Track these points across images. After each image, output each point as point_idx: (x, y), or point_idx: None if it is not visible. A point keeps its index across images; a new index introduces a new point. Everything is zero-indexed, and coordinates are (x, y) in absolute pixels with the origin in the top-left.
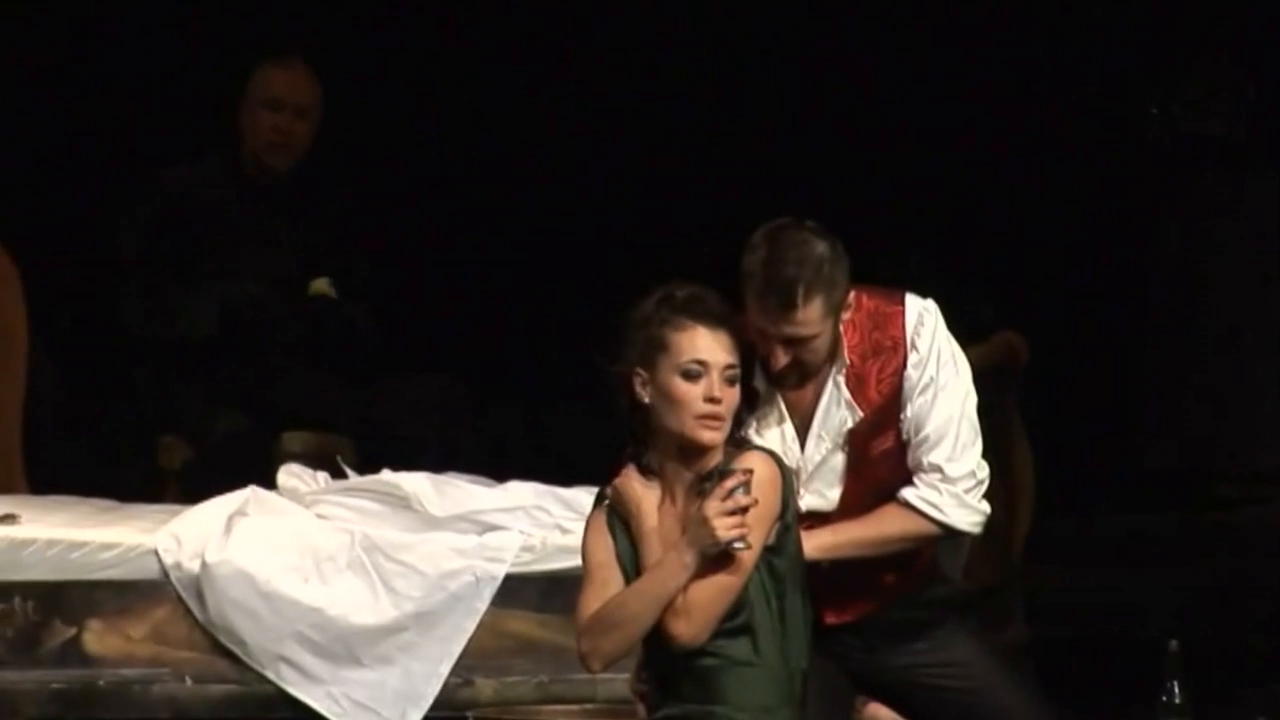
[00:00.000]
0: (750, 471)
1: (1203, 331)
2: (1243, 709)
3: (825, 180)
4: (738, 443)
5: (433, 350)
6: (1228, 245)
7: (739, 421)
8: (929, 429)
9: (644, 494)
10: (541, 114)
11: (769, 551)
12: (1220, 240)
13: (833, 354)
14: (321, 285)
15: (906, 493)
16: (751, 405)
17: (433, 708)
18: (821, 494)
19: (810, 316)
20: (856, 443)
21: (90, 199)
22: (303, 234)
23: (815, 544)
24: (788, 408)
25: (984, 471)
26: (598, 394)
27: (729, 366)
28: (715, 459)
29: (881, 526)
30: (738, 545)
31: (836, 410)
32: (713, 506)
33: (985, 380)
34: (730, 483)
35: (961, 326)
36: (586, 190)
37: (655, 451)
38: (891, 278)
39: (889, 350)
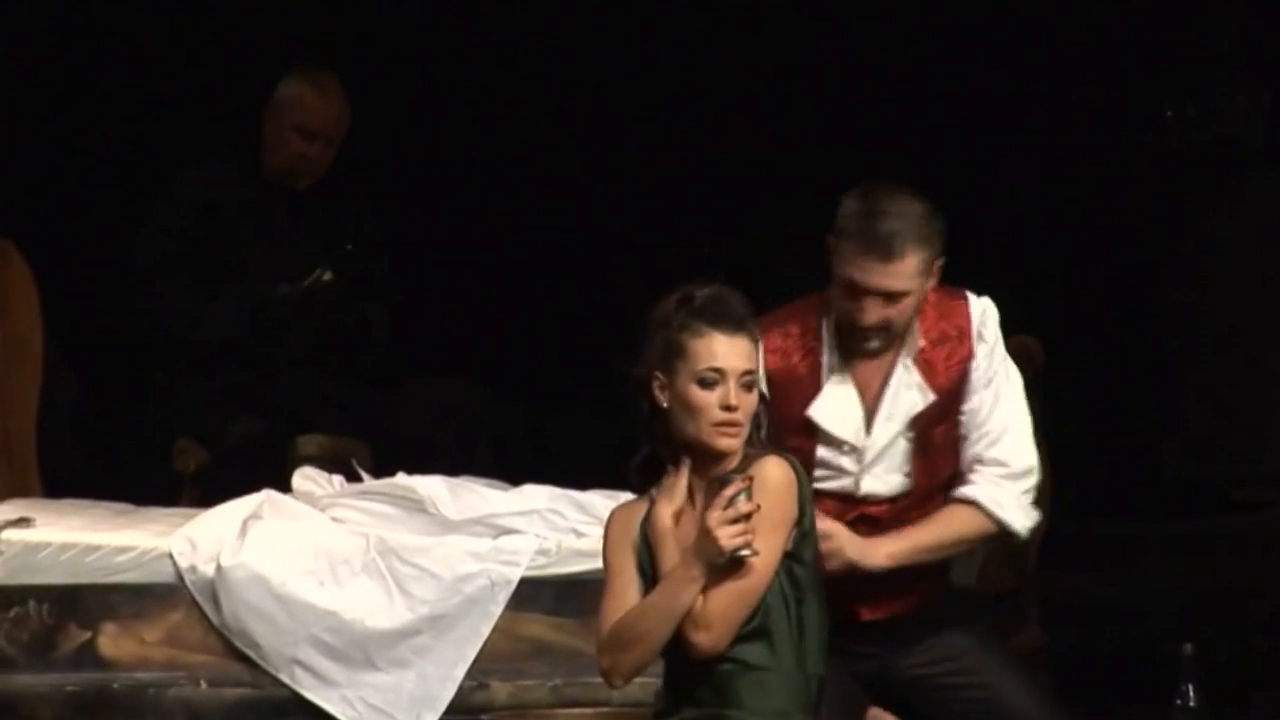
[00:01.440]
0: (750, 478)
1: (1217, 336)
2: (1258, 714)
3: (832, 183)
4: (758, 446)
5: (442, 353)
6: (1242, 249)
7: (758, 424)
8: (993, 424)
9: (671, 494)
10: (546, 118)
11: (789, 558)
12: (1234, 244)
13: (904, 334)
14: (324, 276)
15: (968, 491)
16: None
17: (447, 711)
18: (882, 478)
19: (908, 269)
20: (922, 427)
21: (106, 203)
22: (321, 238)
23: (886, 551)
24: (857, 390)
25: (1038, 475)
26: (602, 396)
27: (746, 373)
28: (733, 463)
29: (945, 528)
30: (744, 553)
31: (907, 393)
32: (714, 516)
33: None
34: (730, 490)
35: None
36: (591, 192)
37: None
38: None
39: (954, 339)
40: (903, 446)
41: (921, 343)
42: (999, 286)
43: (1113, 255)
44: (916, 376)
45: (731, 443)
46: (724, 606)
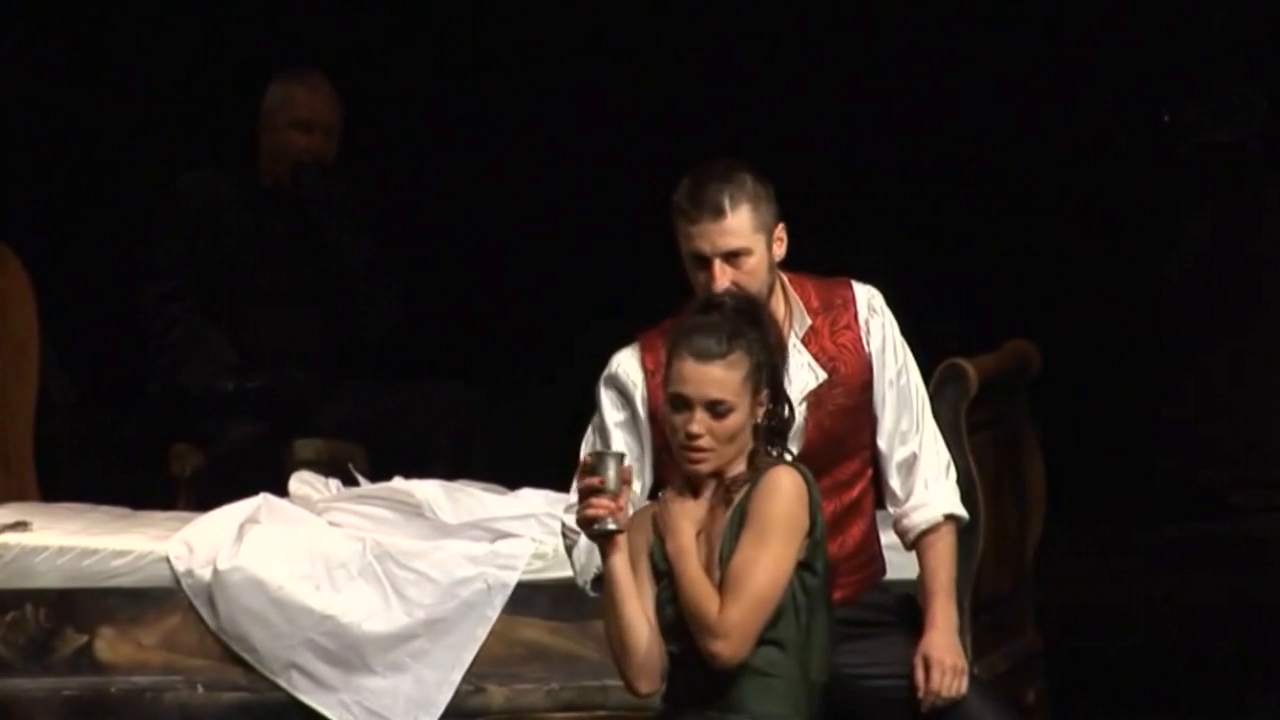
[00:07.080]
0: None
1: (1216, 340)
2: (1255, 719)
3: (830, 187)
4: (770, 455)
5: (439, 356)
6: (1239, 253)
7: (777, 429)
8: (926, 431)
9: (684, 511)
10: (543, 122)
11: (801, 567)
12: (1231, 248)
13: (790, 314)
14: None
15: (937, 509)
16: (785, 422)
17: (444, 715)
18: None
19: (740, 225)
20: (818, 395)
21: (103, 209)
22: (317, 245)
23: (951, 632)
24: None
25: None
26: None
27: (715, 402)
28: (739, 471)
29: (949, 562)
30: (610, 526)
31: (799, 373)
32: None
33: (997, 388)
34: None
35: (972, 335)
36: (591, 195)
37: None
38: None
39: (839, 307)
40: (798, 421)
41: (808, 319)
42: (996, 290)
43: (1110, 259)
44: (806, 356)
45: (697, 467)
46: (740, 616)
